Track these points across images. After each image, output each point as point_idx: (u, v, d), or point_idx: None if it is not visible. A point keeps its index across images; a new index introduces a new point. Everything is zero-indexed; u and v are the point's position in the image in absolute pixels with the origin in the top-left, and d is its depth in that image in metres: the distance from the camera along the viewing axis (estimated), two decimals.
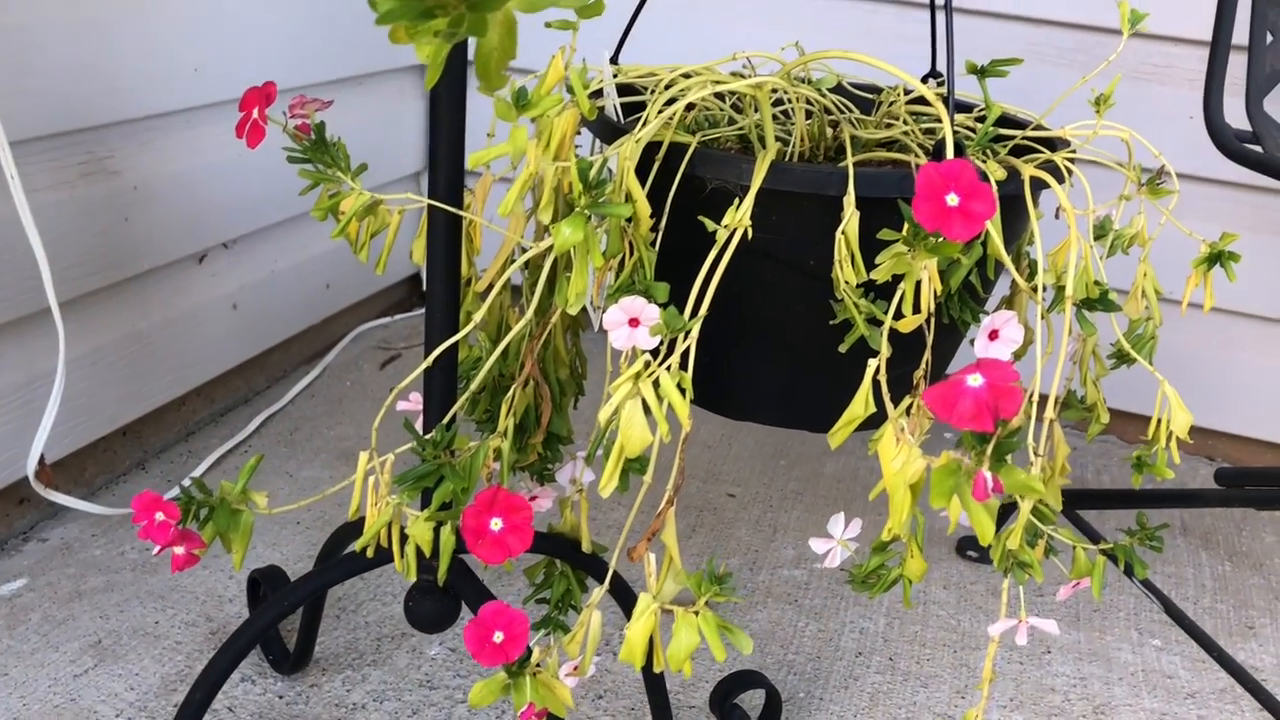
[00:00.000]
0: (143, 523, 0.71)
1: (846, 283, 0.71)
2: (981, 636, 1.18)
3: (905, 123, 0.88)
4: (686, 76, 0.81)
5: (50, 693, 0.98)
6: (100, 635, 1.05)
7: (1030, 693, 1.11)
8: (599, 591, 0.73)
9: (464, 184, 0.77)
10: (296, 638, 1.02)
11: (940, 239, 0.64)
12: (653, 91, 0.80)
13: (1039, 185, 0.78)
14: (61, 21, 1.10)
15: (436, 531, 0.74)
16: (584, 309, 0.82)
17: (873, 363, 0.70)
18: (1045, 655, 1.16)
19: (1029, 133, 0.85)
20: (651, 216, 0.73)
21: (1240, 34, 1.15)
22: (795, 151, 0.85)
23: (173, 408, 1.37)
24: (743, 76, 0.84)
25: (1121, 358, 0.85)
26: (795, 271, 0.77)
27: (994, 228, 0.72)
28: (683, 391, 0.67)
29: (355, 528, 0.89)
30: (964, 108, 0.94)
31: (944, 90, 0.73)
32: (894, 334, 0.71)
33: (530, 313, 0.79)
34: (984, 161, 0.76)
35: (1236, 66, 1.16)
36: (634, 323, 0.68)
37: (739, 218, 0.71)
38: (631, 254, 0.72)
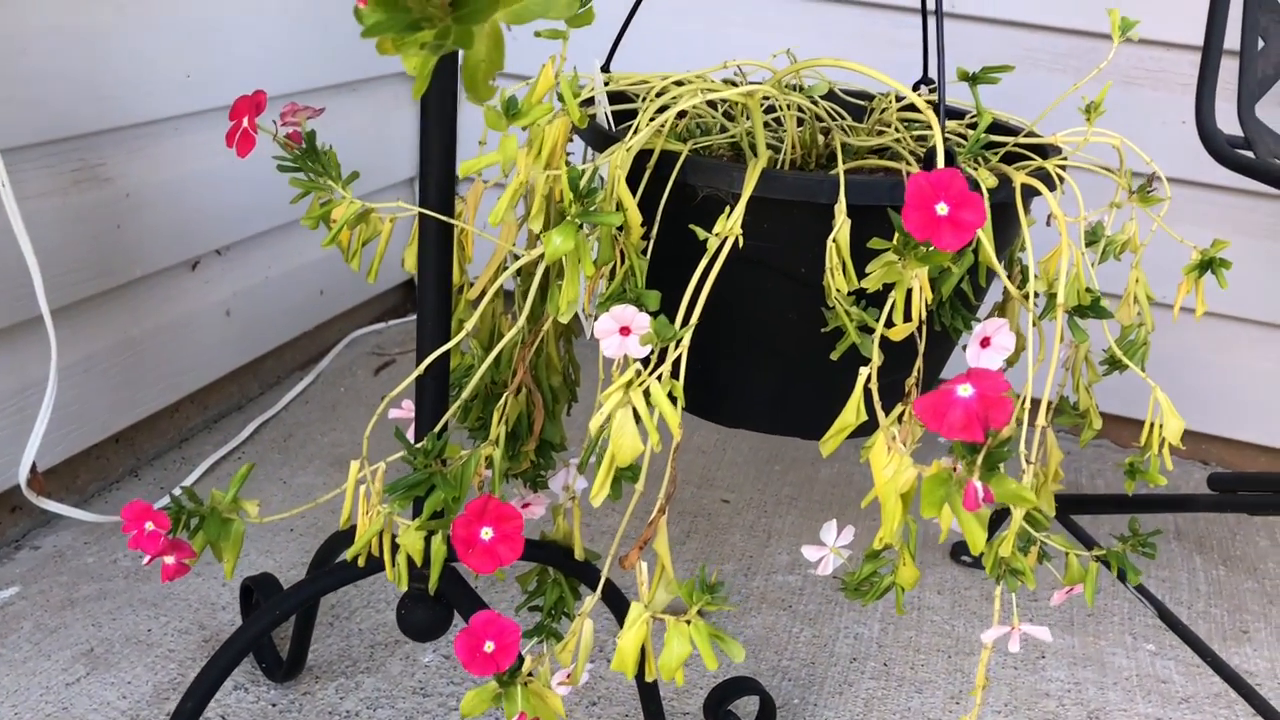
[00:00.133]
0: (133, 532, 0.70)
1: (838, 290, 0.71)
2: (976, 642, 1.18)
3: (897, 130, 0.88)
4: (678, 84, 0.81)
5: (42, 701, 0.98)
6: (92, 643, 1.05)
7: (1025, 698, 1.11)
8: (591, 599, 0.73)
9: (455, 192, 0.77)
10: (289, 645, 1.02)
11: (930, 248, 0.64)
12: (644, 99, 0.80)
13: (1030, 192, 0.78)
14: (52, 30, 1.10)
15: (428, 541, 0.74)
16: (576, 317, 0.82)
17: (864, 371, 0.70)
18: (1040, 660, 1.16)
19: (1020, 139, 0.85)
20: (643, 224, 0.73)
21: (1232, 39, 1.15)
22: (787, 159, 0.85)
23: (166, 415, 1.37)
24: (734, 84, 0.84)
25: (1114, 364, 0.85)
26: (787, 279, 0.77)
27: (985, 235, 0.72)
28: (674, 400, 0.67)
29: (348, 535, 0.88)
30: (956, 114, 0.94)
31: (935, 97, 0.73)
32: (885, 342, 0.71)
33: (522, 320, 0.79)
34: (975, 169, 0.76)
35: (1229, 72, 1.16)
36: (625, 331, 0.68)
37: (730, 226, 0.71)
38: (623, 262, 0.72)
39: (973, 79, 0.85)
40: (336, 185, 0.76)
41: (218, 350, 1.41)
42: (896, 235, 0.66)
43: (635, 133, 0.74)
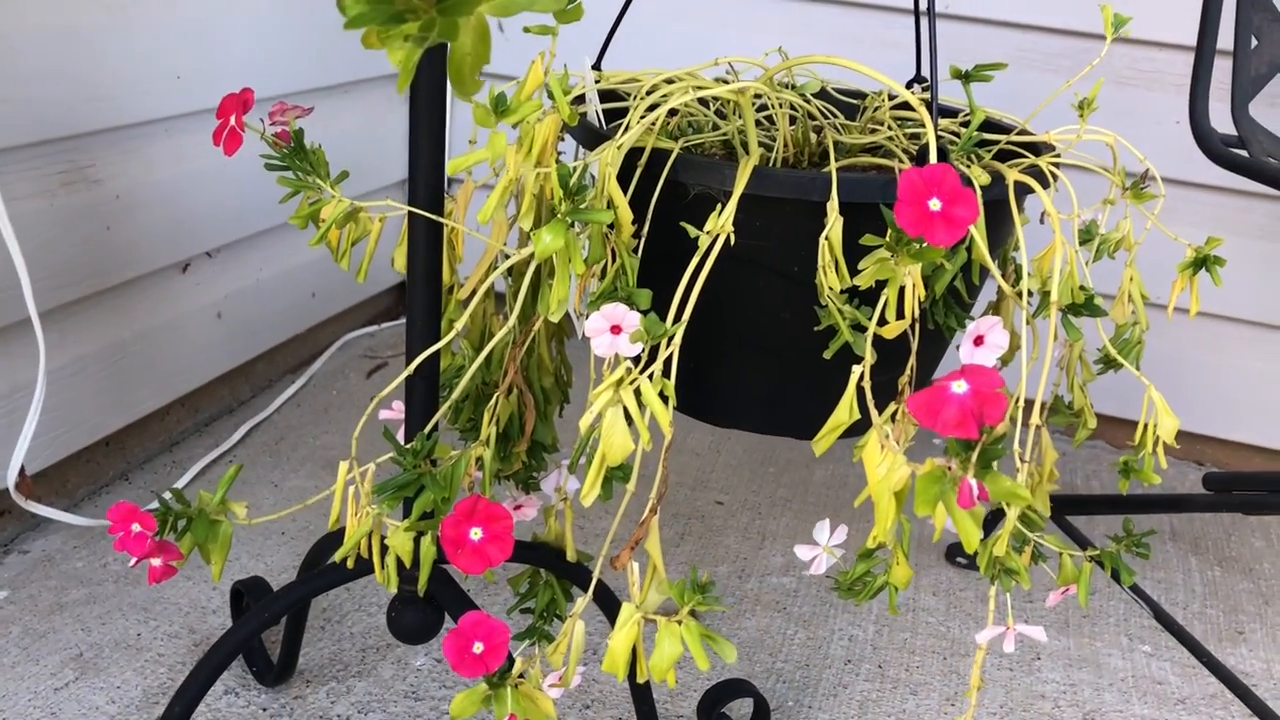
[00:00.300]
0: (119, 534, 0.70)
1: (830, 289, 0.71)
2: (971, 644, 1.17)
3: (890, 128, 0.88)
4: (669, 82, 0.80)
5: (30, 706, 0.97)
6: (81, 648, 1.04)
7: (1020, 699, 1.10)
8: (582, 601, 0.72)
9: (445, 191, 0.76)
10: (280, 649, 1.01)
11: (923, 244, 0.63)
12: (635, 97, 0.80)
13: (1024, 190, 0.77)
14: (42, 30, 1.09)
15: (417, 541, 0.73)
16: (568, 317, 0.81)
17: (857, 369, 0.69)
18: (1035, 662, 1.16)
19: (1013, 137, 0.85)
20: (634, 223, 0.73)
21: (1225, 39, 1.15)
22: (779, 157, 0.85)
23: (156, 418, 1.36)
24: (726, 82, 0.83)
25: (1108, 363, 0.85)
26: (779, 277, 0.76)
27: (978, 233, 0.72)
28: (665, 399, 0.66)
29: (339, 537, 0.88)
30: (949, 113, 0.94)
31: (928, 95, 0.73)
32: (879, 340, 0.71)
33: (513, 320, 0.78)
34: (968, 166, 0.75)
35: (1222, 71, 1.16)
36: (616, 330, 0.67)
37: (721, 223, 0.70)
38: (614, 260, 0.72)
39: (965, 77, 0.85)
40: (325, 184, 0.75)
41: (209, 353, 1.40)
42: (889, 231, 0.66)
43: (626, 130, 0.74)
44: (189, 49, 1.26)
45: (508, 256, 0.78)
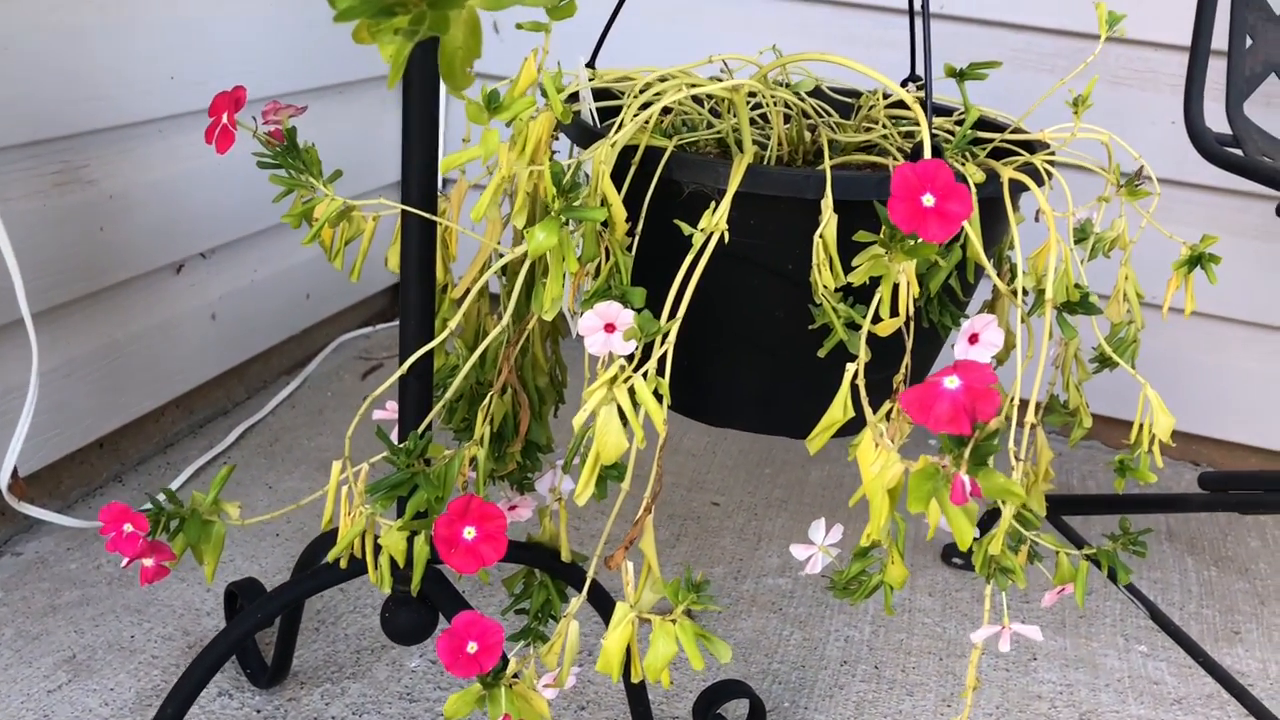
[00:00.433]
0: (111, 534, 0.69)
1: (825, 287, 0.71)
2: (967, 644, 1.17)
3: (884, 126, 0.87)
4: (663, 80, 0.80)
5: (23, 709, 0.96)
6: (75, 650, 1.04)
7: (1016, 700, 1.10)
8: (576, 601, 0.72)
9: (437, 189, 0.76)
10: (274, 650, 1.01)
11: (917, 240, 0.63)
12: (629, 95, 0.80)
13: (1019, 188, 0.77)
14: (35, 29, 1.09)
15: (410, 541, 0.73)
16: (563, 316, 0.81)
17: (850, 367, 0.69)
18: (1031, 662, 1.16)
19: (1008, 135, 0.85)
20: (628, 220, 0.72)
21: (1220, 39, 1.15)
22: (773, 155, 0.84)
23: (150, 419, 1.36)
24: (720, 80, 0.83)
25: (1103, 361, 0.85)
26: (773, 275, 0.76)
27: (973, 231, 0.72)
28: (659, 397, 0.66)
29: (333, 538, 0.87)
30: (944, 111, 0.94)
31: (923, 94, 0.73)
32: (874, 338, 0.70)
33: (507, 319, 0.78)
34: (963, 164, 0.75)
35: (1217, 71, 1.16)
36: (610, 328, 0.67)
37: (715, 221, 0.70)
38: (608, 259, 0.71)
39: (960, 75, 0.85)
40: (318, 182, 0.75)
41: (203, 354, 1.40)
42: (883, 228, 0.66)
43: (620, 128, 0.74)
44: (184, 49, 1.26)
45: (501, 255, 0.78)
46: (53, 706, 0.97)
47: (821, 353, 0.72)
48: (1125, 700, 1.11)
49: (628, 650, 0.67)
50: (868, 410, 0.68)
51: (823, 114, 0.90)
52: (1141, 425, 0.79)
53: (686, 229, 0.71)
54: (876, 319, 0.69)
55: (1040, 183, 0.78)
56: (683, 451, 1.51)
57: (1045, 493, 0.85)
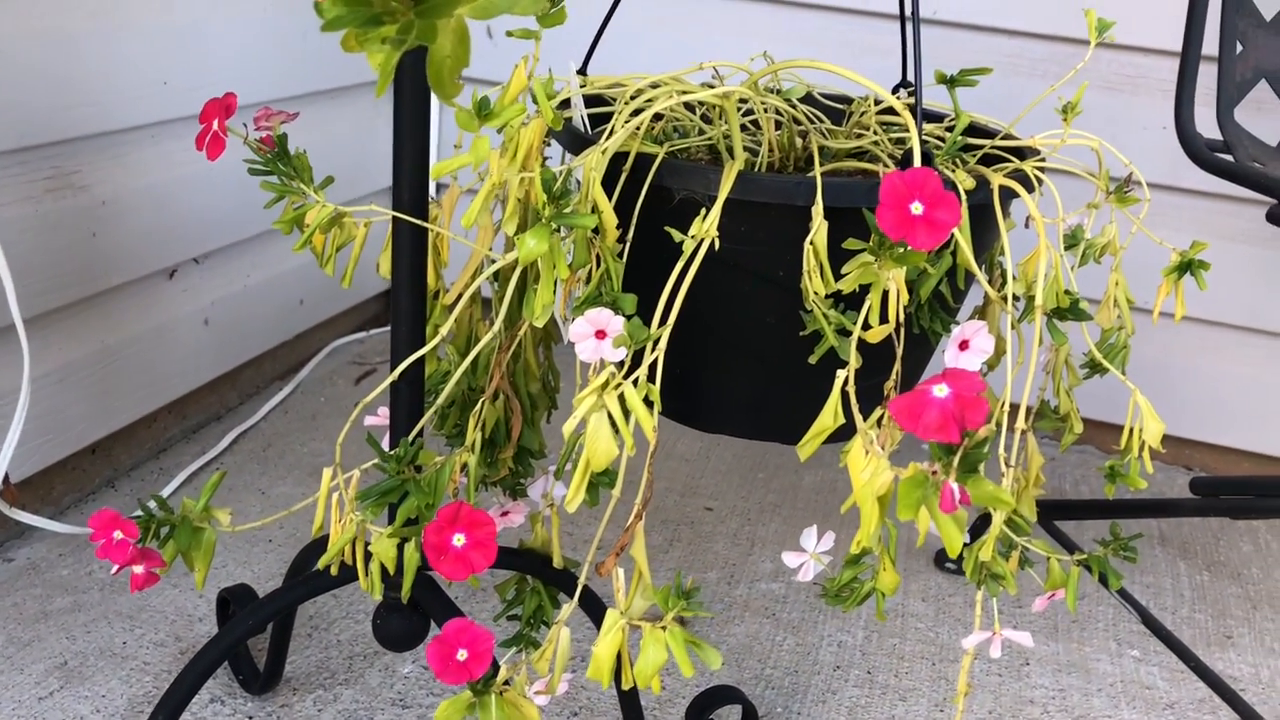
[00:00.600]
0: (101, 541, 0.69)
1: (815, 293, 0.71)
2: (960, 649, 1.17)
3: (875, 133, 0.88)
4: (655, 86, 0.80)
5: (14, 715, 0.96)
6: (66, 656, 1.04)
7: (1009, 704, 1.10)
8: (568, 608, 0.72)
9: (428, 196, 0.76)
10: (266, 657, 1.00)
11: (906, 248, 0.63)
12: (621, 102, 0.80)
13: (1009, 194, 0.77)
14: (26, 35, 1.09)
15: (401, 548, 0.73)
16: (555, 322, 0.81)
17: (841, 374, 0.69)
18: (1024, 667, 1.16)
19: (998, 142, 0.85)
20: (619, 227, 0.72)
21: (1211, 44, 1.15)
22: (764, 162, 0.85)
23: (143, 425, 1.36)
24: (711, 86, 0.83)
25: (1094, 367, 0.85)
26: (764, 282, 0.76)
27: (963, 237, 0.72)
28: (650, 404, 0.66)
29: (325, 545, 0.87)
30: (935, 118, 0.94)
31: (914, 100, 0.73)
32: (864, 345, 0.70)
33: (498, 324, 0.78)
34: (953, 170, 0.75)
35: (1208, 77, 1.17)
36: (601, 335, 0.67)
37: (706, 228, 0.70)
38: (599, 265, 0.72)
39: (950, 82, 0.85)
40: (308, 189, 0.75)
41: (196, 360, 1.40)
42: (872, 235, 0.66)
43: (611, 135, 0.74)
44: (176, 54, 1.26)
45: (493, 261, 0.78)
46: (44, 713, 0.97)
47: (812, 359, 0.72)
48: (1118, 705, 1.12)
49: (619, 657, 0.67)
50: (858, 417, 0.68)
51: (814, 120, 0.90)
52: (1131, 431, 0.79)
53: (677, 236, 0.71)
54: (867, 325, 0.69)
55: (1030, 189, 0.78)
56: (676, 456, 1.51)
57: (1036, 498, 0.85)
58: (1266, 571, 1.38)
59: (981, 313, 0.87)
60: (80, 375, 1.22)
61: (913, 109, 0.71)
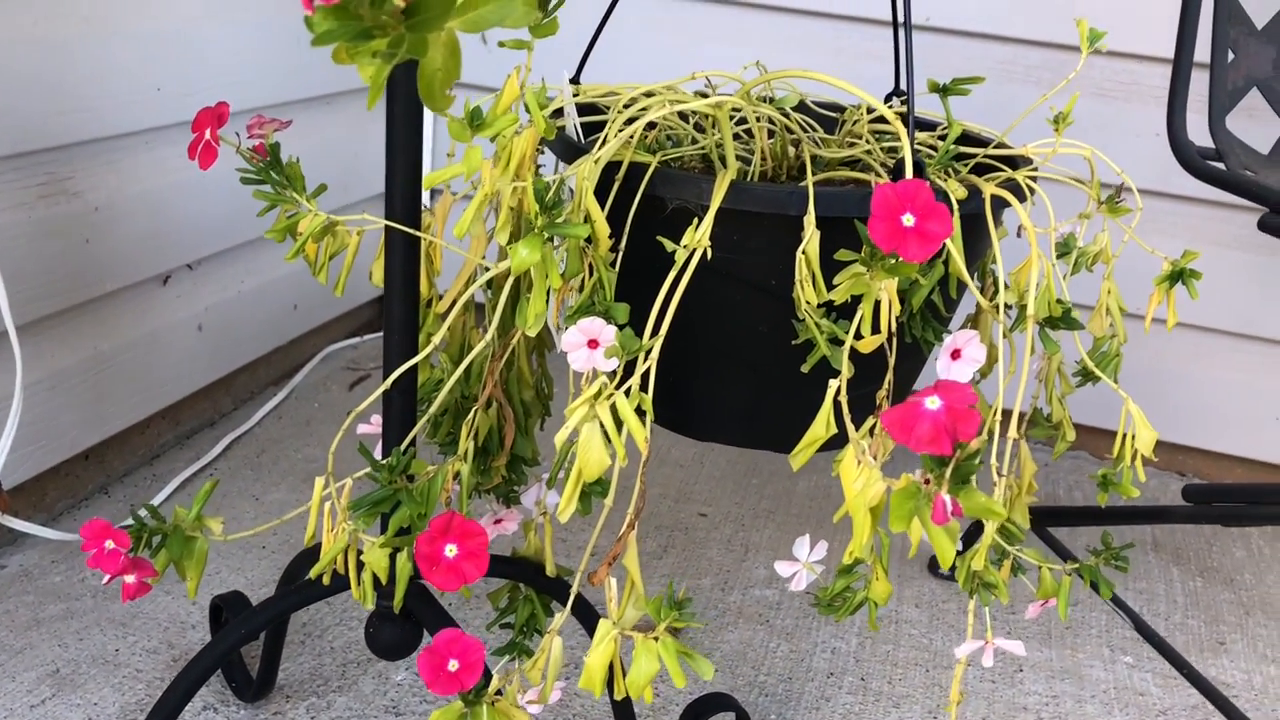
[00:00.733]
0: (93, 551, 0.69)
1: (808, 303, 0.71)
2: (954, 656, 1.17)
3: (868, 142, 0.88)
4: (648, 96, 0.80)
5: None
6: (58, 664, 1.03)
7: (1002, 711, 1.10)
8: (560, 617, 0.72)
9: (421, 204, 0.76)
10: (259, 664, 1.00)
11: (897, 259, 0.64)
12: (614, 111, 0.80)
13: (1001, 203, 0.78)
14: (19, 40, 1.08)
15: (393, 558, 0.73)
16: (549, 330, 0.81)
17: (833, 383, 0.69)
18: (1017, 674, 1.16)
19: (990, 151, 0.85)
20: (611, 237, 0.73)
21: (1203, 52, 1.15)
22: (757, 171, 0.85)
23: (136, 431, 1.35)
24: (704, 95, 0.84)
25: (1087, 375, 0.85)
26: (757, 291, 0.76)
27: (955, 247, 0.72)
28: (642, 414, 0.66)
29: (319, 553, 0.87)
30: (928, 126, 0.94)
31: (906, 109, 0.73)
32: (856, 354, 0.71)
33: (491, 333, 0.78)
34: (945, 180, 0.75)
35: (1200, 84, 1.17)
36: (593, 344, 0.67)
37: (698, 237, 0.70)
38: (591, 275, 0.72)
39: (943, 90, 0.85)
40: (301, 198, 0.75)
41: (189, 366, 1.39)
42: (864, 246, 0.66)
43: (604, 144, 0.74)
44: (170, 60, 1.26)
45: (486, 269, 0.78)
46: None
47: (805, 368, 0.72)
48: (1111, 712, 1.12)
49: (611, 667, 0.67)
50: (850, 427, 0.68)
51: (807, 129, 0.90)
52: (1124, 439, 0.80)
53: (670, 245, 0.71)
54: (859, 335, 0.70)
55: (1022, 198, 0.78)
56: (670, 463, 1.51)
57: (1029, 505, 0.85)
58: (1259, 578, 1.38)
59: (974, 321, 0.87)
60: (73, 381, 1.22)
61: (905, 118, 0.71)
